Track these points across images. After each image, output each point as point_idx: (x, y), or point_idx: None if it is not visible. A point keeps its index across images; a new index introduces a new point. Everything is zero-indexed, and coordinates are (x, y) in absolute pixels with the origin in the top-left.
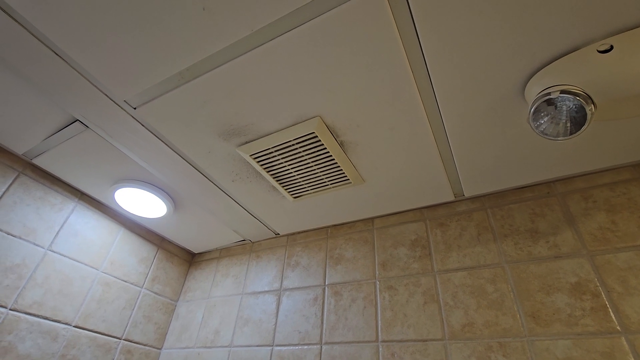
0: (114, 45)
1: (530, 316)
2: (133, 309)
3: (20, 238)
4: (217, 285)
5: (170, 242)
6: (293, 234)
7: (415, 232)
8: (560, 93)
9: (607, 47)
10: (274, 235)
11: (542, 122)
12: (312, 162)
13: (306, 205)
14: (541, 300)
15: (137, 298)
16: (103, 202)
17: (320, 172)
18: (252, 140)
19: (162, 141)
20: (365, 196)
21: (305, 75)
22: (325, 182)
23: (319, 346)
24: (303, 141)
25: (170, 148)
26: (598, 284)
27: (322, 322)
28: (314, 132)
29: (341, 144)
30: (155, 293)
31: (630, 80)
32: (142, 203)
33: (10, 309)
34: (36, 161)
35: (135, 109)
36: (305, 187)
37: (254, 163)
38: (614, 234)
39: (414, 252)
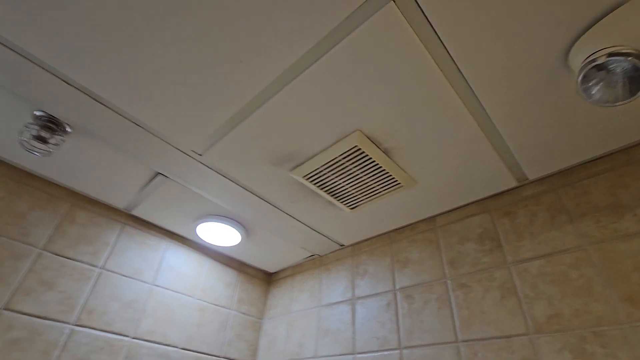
0: (174, 101)
1: (627, 300)
2: (226, 330)
3: (131, 277)
4: (294, 300)
5: (248, 266)
6: (357, 243)
7: (480, 225)
8: (607, 57)
9: None
10: (339, 247)
11: (595, 90)
12: (361, 172)
13: (364, 214)
14: (638, 281)
15: (228, 319)
16: (188, 237)
17: (371, 181)
18: (302, 163)
19: (227, 178)
20: (420, 196)
21: (336, 96)
22: (378, 189)
23: (398, 351)
24: (348, 155)
25: (234, 183)
26: None
27: (398, 327)
28: (356, 145)
29: (385, 151)
30: (243, 313)
31: None
32: (220, 234)
33: (133, 338)
34: (134, 212)
35: (201, 155)
36: (359, 197)
37: (307, 183)
38: None
39: (483, 245)
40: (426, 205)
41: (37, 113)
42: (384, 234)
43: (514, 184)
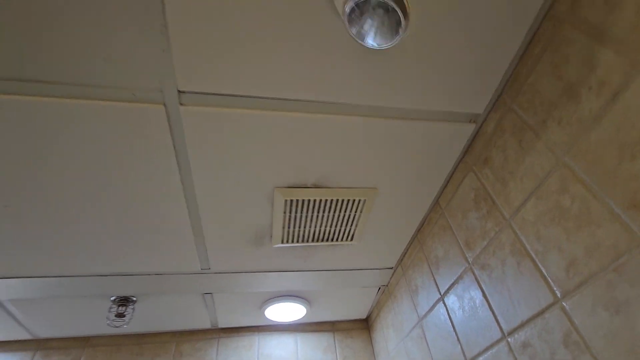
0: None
1: (631, 208)
2: None
3: None
4: (388, 340)
5: (340, 322)
6: (398, 262)
7: (470, 187)
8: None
9: None
10: (391, 269)
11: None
12: (317, 212)
13: (370, 238)
14: (630, 173)
15: None
16: (265, 324)
17: (335, 213)
18: (270, 235)
19: (235, 272)
20: (393, 196)
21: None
22: (350, 215)
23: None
24: (290, 209)
25: (245, 272)
26: None
27: (456, 333)
28: (286, 199)
29: (315, 185)
30: None
31: None
32: (287, 310)
33: None
34: (220, 325)
35: (209, 269)
36: (345, 230)
37: (291, 244)
38: None
39: (480, 210)
40: (407, 202)
41: (113, 297)
42: (411, 241)
43: (473, 127)
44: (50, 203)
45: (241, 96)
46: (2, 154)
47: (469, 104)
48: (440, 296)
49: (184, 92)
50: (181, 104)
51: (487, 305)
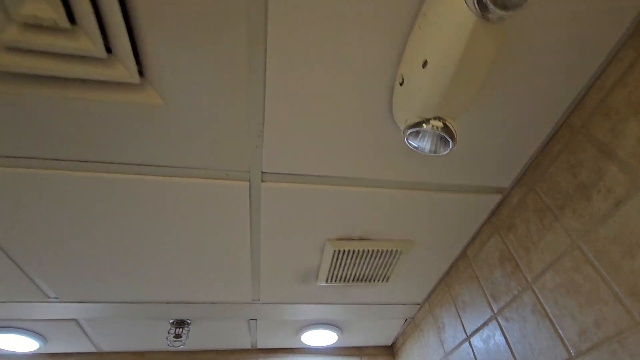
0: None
1: (631, 296)
2: None
3: None
4: None
5: (367, 347)
6: (426, 299)
7: (496, 247)
8: (408, 129)
9: (401, 80)
10: (417, 304)
11: (422, 145)
12: (360, 260)
13: (401, 280)
14: (631, 268)
15: None
16: (299, 346)
17: (375, 260)
18: (317, 276)
19: (282, 303)
20: (428, 249)
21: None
22: (387, 262)
23: None
24: (337, 257)
25: (290, 304)
26: None
27: None
28: (334, 250)
29: (361, 238)
30: None
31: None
32: (321, 336)
33: None
34: (259, 346)
35: (258, 299)
36: (380, 273)
37: (333, 284)
38: None
39: (505, 269)
40: (438, 252)
41: (171, 320)
42: (438, 282)
43: (499, 197)
44: (135, 245)
45: (310, 175)
46: (122, 216)
47: (497, 179)
48: (466, 336)
49: (266, 172)
50: (262, 181)
51: (510, 352)
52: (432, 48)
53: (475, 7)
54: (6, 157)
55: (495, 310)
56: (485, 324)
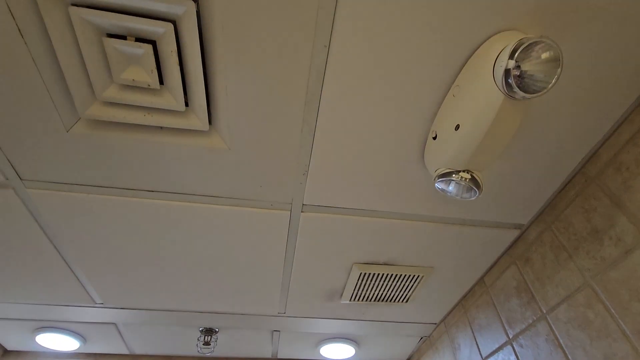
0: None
1: (637, 334)
2: None
3: None
4: None
5: None
6: (442, 320)
7: (513, 277)
8: (438, 178)
9: (434, 135)
10: (434, 324)
11: (450, 189)
12: (383, 283)
13: (420, 302)
14: (638, 310)
15: None
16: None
17: (396, 283)
18: (341, 294)
19: (308, 317)
20: (446, 275)
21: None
22: (408, 286)
23: None
24: (362, 280)
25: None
26: None
27: None
28: (361, 272)
29: (386, 263)
30: None
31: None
32: (339, 349)
33: None
34: (280, 356)
35: (284, 312)
36: (401, 295)
37: (354, 302)
38: None
39: (521, 299)
40: (457, 278)
41: (200, 328)
42: (455, 305)
43: (517, 232)
44: (181, 261)
45: (345, 208)
46: (181, 240)
47: (516, 217)
48: (482, 358)
49: (306, 204)
50: (302, 212)
51: None
52: (465, 115)
53: (504, 87)
54: (98, 186)
55: (511, 336)
56: (500, 348)
